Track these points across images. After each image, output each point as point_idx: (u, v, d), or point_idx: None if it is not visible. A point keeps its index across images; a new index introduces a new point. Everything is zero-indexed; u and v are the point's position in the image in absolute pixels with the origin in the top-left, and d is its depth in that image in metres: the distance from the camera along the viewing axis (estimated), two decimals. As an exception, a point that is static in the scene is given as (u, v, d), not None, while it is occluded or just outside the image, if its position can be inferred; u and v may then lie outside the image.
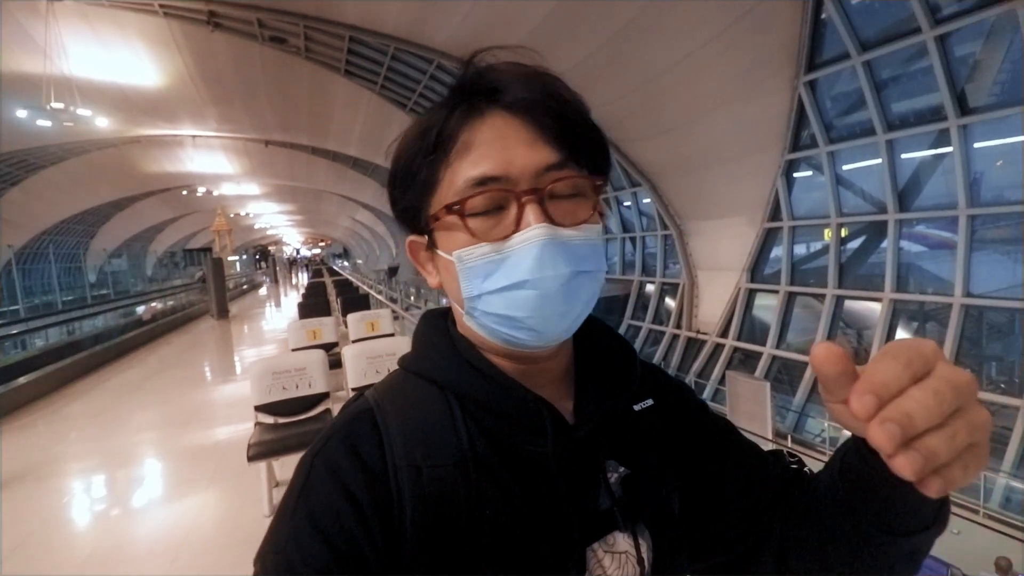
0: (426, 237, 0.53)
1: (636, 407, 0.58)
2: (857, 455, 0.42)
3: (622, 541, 0.51)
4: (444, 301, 0.59)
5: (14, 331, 13.35)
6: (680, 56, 8.06)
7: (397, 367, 0.58)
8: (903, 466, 0.29)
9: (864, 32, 6.94)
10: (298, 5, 8.80)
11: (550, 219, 0.46)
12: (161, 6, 8.55)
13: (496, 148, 0.47)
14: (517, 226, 0.46)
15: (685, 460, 0.58)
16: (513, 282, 0.46)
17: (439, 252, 0.51)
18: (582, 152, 0.50)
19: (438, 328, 0.57)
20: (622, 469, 0.53)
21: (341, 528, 0.43)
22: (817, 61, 7.66)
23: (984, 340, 7.22)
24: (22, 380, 6.09)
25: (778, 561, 0.55)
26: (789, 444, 7.00)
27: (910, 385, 0.30)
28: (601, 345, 0.59)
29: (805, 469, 0.59)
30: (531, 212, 0.46)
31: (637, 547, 0.52)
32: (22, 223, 21.82)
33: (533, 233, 0.45)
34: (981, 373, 7.09)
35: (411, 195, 0.52)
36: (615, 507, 0.51)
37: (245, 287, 24.35)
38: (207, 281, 20.16)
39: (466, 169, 0.47)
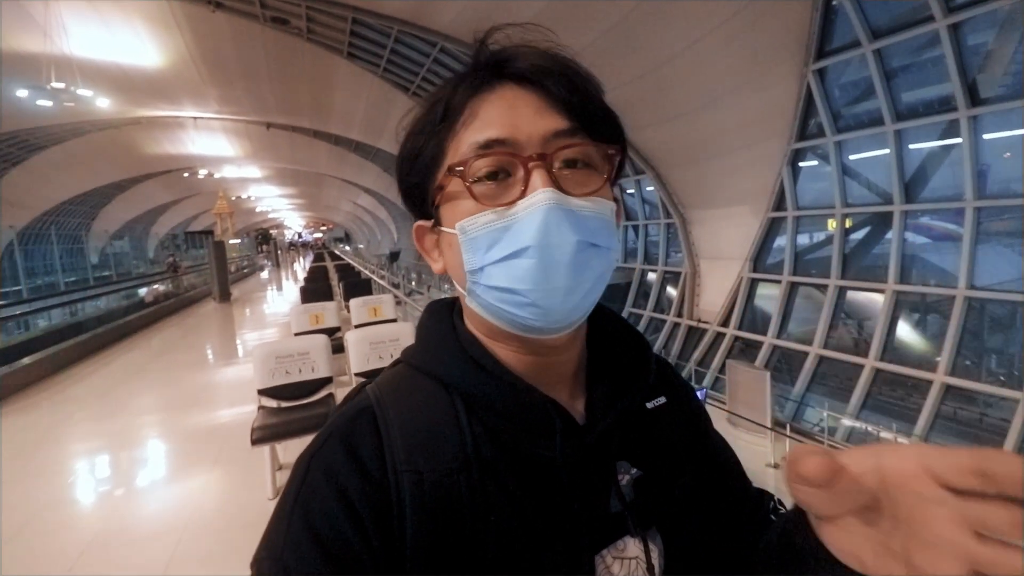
0: (432, 221, 0.51)
1: (649, 405, 0.55)
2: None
3: (632, 546, 0.49)
4: (447, 287, 0.56)
5: (17, 311, 13.40)
6: (686, 44, 7.94)
7: (400, 359, 0.56)
8: None
9: (875, 20, 6.82)
10: (300, -15, 8.71)
11: (558, 186, 0.44)
12: (162, -16, 8.46)
13: (504, 114, 0.46)
14: (523, 192, 0.44)
15: (694, 462, 0.57)
16: (515, 249, 0.43)
17: (443, 229, 0.49)
18: (593, 122, 0.48)
19: (443, 321, 0.54)
20: (634, 471, 0.51)
21: (338, 535, 0.41)
22: (827, 49, 7.55)
23: (985, 333, 7.21)
24: (25, 361, 6.12)
25: None
26: (788, 433, 7.03)
27: None
28: (614, 339, 0.56)
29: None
30: (538, 177, 0.44)
31: (647, 553, 0.49)
32: (24, 203, 21.76)
33: (539, 197, 0.43)
34: (981, 365, 7.10)
35: (417, 170, 0.50)
36: (626, 511, 0.49)
37: (246, 270, 24.36)
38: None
39: (471, 136, 0.46)
